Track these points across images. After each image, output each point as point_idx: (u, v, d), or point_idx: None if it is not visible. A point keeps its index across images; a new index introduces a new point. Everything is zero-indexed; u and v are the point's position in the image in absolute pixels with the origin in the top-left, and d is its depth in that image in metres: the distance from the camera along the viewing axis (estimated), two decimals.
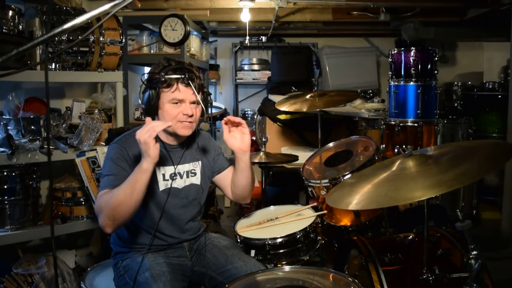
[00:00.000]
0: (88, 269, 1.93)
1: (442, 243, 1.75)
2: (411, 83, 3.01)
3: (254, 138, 3.89)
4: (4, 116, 2.32)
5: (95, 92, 2.98)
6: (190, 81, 1.67)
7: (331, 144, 2.56)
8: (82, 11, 2.71)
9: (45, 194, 2.60)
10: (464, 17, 4.05)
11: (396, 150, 2.69)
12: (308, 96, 2.84)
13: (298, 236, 1.95)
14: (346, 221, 2.23)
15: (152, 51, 3.75)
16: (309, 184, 2.30)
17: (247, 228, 2.09)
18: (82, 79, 2.68)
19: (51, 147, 2.30)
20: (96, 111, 2.64)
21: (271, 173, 2.90)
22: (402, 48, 3.09)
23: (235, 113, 5.32)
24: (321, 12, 4.16)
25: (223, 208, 4.32)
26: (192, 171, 1.84)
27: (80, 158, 2.34)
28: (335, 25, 4.70)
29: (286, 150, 3.49)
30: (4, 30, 2.13)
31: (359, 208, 1.73)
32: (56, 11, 2.40)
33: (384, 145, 3.15)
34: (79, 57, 2.48)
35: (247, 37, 4.19)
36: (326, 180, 2.20)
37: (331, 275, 1.47)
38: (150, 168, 1.54)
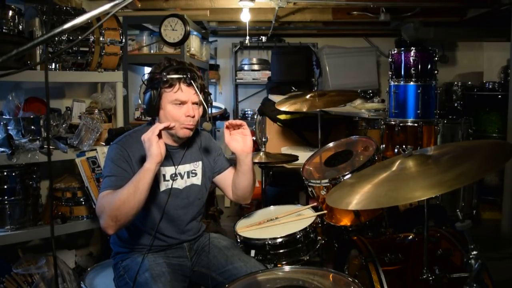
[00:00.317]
0: (88, 269, 1.93)
1: (442, 243, 1.75)
2: (411, 83, 3.01)
3: (254, 138, 3.89)
4: (4, 116, 2.32)
5: (95, 92, 2.98)
6: (192, 81, 1.67)
7: (331, 144, 2.56)
8: (82, 11, 2.72)
9: (45, 194, 2.60)
10: (464, 17, 4.05)
11: (396, 150, 2.69)
12: (308, 96, 2.84)
13: (298, 236, 1.94)
14: (346, 221, 2.23)
15: (152, 51, 3.75)
16: (309, 184, 2.30)
17: (247, 228, 2.09)
18: (82, 79, 2.68)
19: (51, 147, 2.30)
20: (96, 111, 2.64)
21: (271, 173, 2.91)
22: (402, 48, 3.09)
23: (235, 113, 5.32)
24: (321, 12, 4.16)
25: (223, 208, 4.32)
26: (193, 171, 1.84)
27: (80, 158, 2.34)
28: (335, 25, 4.70)
29: (286, 150, 3.49)
30: (4, 30, 2.13)
31: (359, 208, 1.73)
32: (56, 11, 2.40)
33: (384, 145, 3.15)
34: (79, 57, 2.48)
35: (247, 37, 4.19)
36: (326, 180, 2.20)
37: (331, 275, 1.47)
38: (152, 168, 1.53)
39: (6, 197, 2.24)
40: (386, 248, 1.76)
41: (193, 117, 1.70)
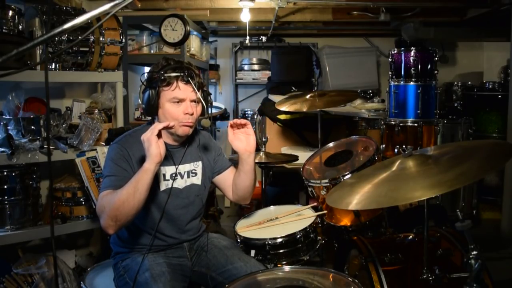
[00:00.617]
0: (88, 269, 1.93)
1: (442, 243, 1.75)
2: (411, 83, 3.01)
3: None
4: (4, 116, 2.32)
5: (95, 92, 2.98)
6: (190, 78, 1.68)
7: (331, 144, 2.56)
8: (82, 11, 2.72)
9: (45, 194, 2.60)
10: (464, 17, 4.05)
11: (396, 150, 2.70)
12: (308, 96, 2.84)
13: (298, 236, 1.95)
14: (346, 221, 2.23)
15: (152, 51, 3.75)
16: (309, 184, 2.30)
17: (247, 228, 2.09)
18: (82, 79, 2.68)
19: (51, 147, 2.30)
20: (96, 111, 2.64)
21: (271, 173, 2.90)
22: (402, 48, 3.09)
23: (235, 113, 5.32)
24: (321, 12, 4.16)
25: (223, 208, 4.32)
26: (193, 171, 1.84)
27: (80, 158, 2.34)
28: (335, 25, 4.70)
29: (286, 150, 3.49)
30: (4, 30, 2.13)
31: (359, 208, 1.73)
32: (56, 11, 2.40)
33: (384, 145, 3.15)
34: (79, 57, 2.48)
35: (247, 37, 4.19)
36: (326, 180, 2.20)
37: (331, 275, 1.47)
38: (151, 168, 1.53)
39: (6, 197, 2.24)
40: (386, 248, 1.76)
41: (192, 114, 1.71)
